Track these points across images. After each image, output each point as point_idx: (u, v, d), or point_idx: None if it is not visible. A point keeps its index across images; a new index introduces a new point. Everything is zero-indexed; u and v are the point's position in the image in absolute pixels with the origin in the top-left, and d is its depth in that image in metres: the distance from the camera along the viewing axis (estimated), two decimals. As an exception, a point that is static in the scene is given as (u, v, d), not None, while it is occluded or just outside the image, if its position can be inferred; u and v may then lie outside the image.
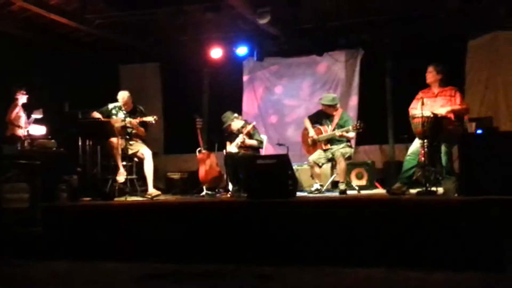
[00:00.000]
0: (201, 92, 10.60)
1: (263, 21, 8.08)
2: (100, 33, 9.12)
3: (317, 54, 9.74)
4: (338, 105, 7.40)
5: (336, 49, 9.70)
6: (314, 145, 7.28)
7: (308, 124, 7.41)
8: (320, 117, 7.41)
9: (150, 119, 7.14)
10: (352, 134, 7.17)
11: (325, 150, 7.16)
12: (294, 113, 10.11)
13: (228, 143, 7.77)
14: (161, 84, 10.83)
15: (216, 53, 9.59)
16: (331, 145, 7.16)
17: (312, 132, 7.27)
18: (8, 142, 7.42)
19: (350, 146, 7.30)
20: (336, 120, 7.20)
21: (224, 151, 7.70)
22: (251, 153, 7.50)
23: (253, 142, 7.60)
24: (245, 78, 10.53)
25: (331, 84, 9.83)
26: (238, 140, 7.57)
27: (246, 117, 8.89)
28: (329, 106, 7.28)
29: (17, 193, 5.54)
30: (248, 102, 10.44)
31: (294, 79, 10.19)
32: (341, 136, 7.05)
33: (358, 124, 6.91)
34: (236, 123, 7.73)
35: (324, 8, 8.74)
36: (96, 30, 8.83)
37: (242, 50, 9.61)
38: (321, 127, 7.27)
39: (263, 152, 7.90)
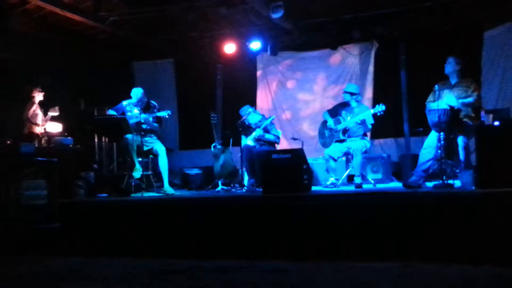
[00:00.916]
0: (215, 88, 10.61)
1: (276, 15, 8.06)
2: (114, 31, 9.17)
3: (331, 47, 9.70)
4: (360, 98, 7.43)
5: (350, 42, 9.66)
6: (331, 136, 7.27)
7: (327, 116, 7.41)
8: (339, 110, 7.42)
9: (164, 114, 7.19)
10: (370, 126, 7.13)
11: (341, 141, 7.15)
12: (309, 107, 10.09)
13: (244, 138, 7.79)
14: (175, 80, 10.88)
15: (229, 48, 9.58)
16: (348, 136, 7.15)
17: (330, 121, 7.27)
18: (25, 139, 7.51)
19: (367, 140, 7.28)
20: (356, 110, 7.18)
21: (241, 144, 7.73)
22: (267, 147, 7.52)
23: (269, 137, 7.63)
24: (258, 73, 10.53)
25: (345, 78, 9.78)
26: (255, 134, 7.60)
27: (260, 112, 8.89)
28: (352, 94, 7.28)
29: (35, 190, 5.60)
30: (262, 96, 10.43)
31: (308, 73, 10.16)
32: (362, 123, 7.00)
33: (380, 106, 6.88)
34: (253, 117, 7.76)
35: (337, 2, 8.68)
36: (110, 27, 8.87)
37: (255, 45, 9.58)
38: (340, 118, 7.27)
39: (278, 146, 7.91)
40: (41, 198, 5.62)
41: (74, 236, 5.38)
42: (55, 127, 7.96)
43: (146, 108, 7.36)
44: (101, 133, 7.59)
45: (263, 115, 7.97)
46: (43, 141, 7.58)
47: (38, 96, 7.91)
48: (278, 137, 7.79)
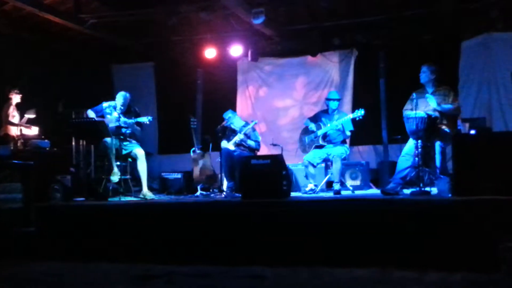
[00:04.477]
0: (195, 92, 10.58)
1: (257, 21, 8.08)
2: (94, 33, 9.08)
3: (311, 54, 9.75)
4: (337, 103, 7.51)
5: (330, 49, 9.73)
6: (311, 142, 7.31)
7: (308, 122, 7.46)
8: (319, 117, 7.47)
9: (144, 119, 7.13)
10: (349, 133, 7.20)
11: (320, 147, 7.19)
12: (288, 113, 10.12)
13: (224, 142, 7.75)
14: (155, 84, 10.81)
15: (210, 53, 9.57)
16: (328, 143, 7.19)
17: (312, 127, 7.31)
18: (1, 142, 7.39)
19: (346, 147, 7.33)
20: (336, 117, 7.24)
21: (222, 145, 7.69)
22: (247, 153, 7.51)
23: (250, 143, 7.61)
24: (239, 78, 10.53)
25: (325, 85, 9.84)
26: (237, 139, 7.57)
27: (240, 118, 8.88)
28: (334, 100, 7.34)
29: (10, 194, 5.53)
30: (242, 102, 10.44)
31: (288, 80, 10.19)
32: (339, 130, 7.06)
33: (359, 111, 6.95)
34: (238, 121, 7.74)
35: (318, 9, 8.75)
36: (90, 29, 8.78)
37: (236, 51, 9.59)
38: (321, 124, 7.32)
39: (258, 152, 7.91)
40: (17, 201, 5.55)
41: (50, 241, 5.30)
42: (31, 130, 7.84)
43: (126, 112, 7.28)
44: (79, 136, 7.50)
45: (246, 121, 7.96)
46: (19, 144, 7.46)
47: (15, 98, 7.79)
48: (258, 144, 7.79)
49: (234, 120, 7.78)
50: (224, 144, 7.73)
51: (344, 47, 9.63)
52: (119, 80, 10.59)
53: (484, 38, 8.58)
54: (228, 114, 7.84)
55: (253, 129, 7.79)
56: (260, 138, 8.09)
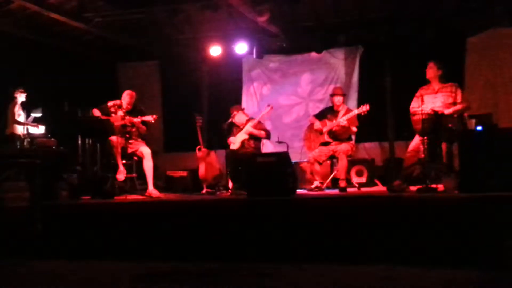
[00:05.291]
0: (201, 90, 10.59)
1: (262, 18, 8.06)
2: (99, 32, 9.10)
3: (316, 51, 9.73)
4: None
5: (335, 46, 9.71)
6: (316, 138, 7.28)
7: (314, 119, 7.43)
8: (325, 113, 7.43)
9: (149, 118, 7.13)
10: (354, 129, 7.17)
11: (326, 144, 7.15)
12: (294, 110, 10.12)
13: (231, 138, 7.72)
14: (160, 82, 10.83)
15: (215, 51, 9.57)
16: (333, 140, 7.15)
17: (318, 124, 7.27)
18: (8, 140, 7.42)
19: (352, 144, 7.30)
20: (341, 114, 7.20)
21: (228, 142, 7.66)
22: (253, 150, 7.48)
23: (260, 132, 7.55)
24: (244, 76, 10.53)
25: (330, 82, 9.82)
26: (240, 137, 7.54)
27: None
28: (338, 95, 7.29)
29: (16, 192, 5.53)
30: (248, 99, 10.44)
31: (293, 77, 10.19)
32: (345, 127, 7.01)
33: (364, 106, 6.91)
34: (240, 116, 7.70)
35: (324, 6, 8.73)
36: (94, 28, 8.81)
37: (241, 48, 9.58)
38: (327, 121, 7.29)
39: (263, 149, 7.88)
40: (23, 200, 5.55)
41: (56, 239, 5.32)
42: (38, 129, 7.86)
43: (131, 110, 7.29)
44: (85, 134, 7.52)
45: (251, 117, 7.92)
46: (25, 142, 7.49)
47: (21, 97, 7.82)
48: (269, 133, 7.70)
49: (238, 115, 7.73)
50: (230, 141, 7.71)
51: (349, 44, 9.60)
52: (124, 79, 10.61)
53: (490, 34, 8.53)
54: (233, 111, 7.81)
55: (260, 123, 7.69)
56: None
